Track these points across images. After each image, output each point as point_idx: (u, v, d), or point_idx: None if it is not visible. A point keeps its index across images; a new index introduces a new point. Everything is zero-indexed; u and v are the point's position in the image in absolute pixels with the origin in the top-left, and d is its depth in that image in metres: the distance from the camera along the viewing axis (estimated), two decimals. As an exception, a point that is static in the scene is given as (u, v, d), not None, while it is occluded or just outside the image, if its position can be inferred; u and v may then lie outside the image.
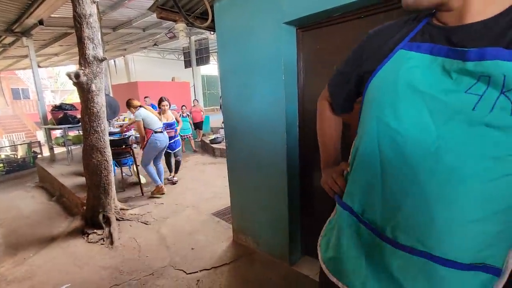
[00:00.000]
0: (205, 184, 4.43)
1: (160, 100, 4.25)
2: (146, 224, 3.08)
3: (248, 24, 2.00)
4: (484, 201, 0.48)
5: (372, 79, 0.61)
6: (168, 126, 4.15)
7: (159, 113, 4.07)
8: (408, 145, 0.52)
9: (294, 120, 2.04)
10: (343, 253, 0.67)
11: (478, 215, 0.49)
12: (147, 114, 3.74)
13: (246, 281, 2.05)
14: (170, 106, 4.34)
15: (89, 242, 2.76)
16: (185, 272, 2.18)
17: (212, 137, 7.29)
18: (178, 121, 4.69)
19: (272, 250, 2.26)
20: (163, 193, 3.92)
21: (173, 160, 4.51)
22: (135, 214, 3.31)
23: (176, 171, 4.58)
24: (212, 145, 6.78)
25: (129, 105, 3.96)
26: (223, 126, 2.45)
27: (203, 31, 3.46)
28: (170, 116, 4.26)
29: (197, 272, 2.17)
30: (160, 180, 3.95)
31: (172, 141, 4.22)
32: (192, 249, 2.49)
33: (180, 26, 5.59)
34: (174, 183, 4.44)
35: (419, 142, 0.51)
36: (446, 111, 0.49)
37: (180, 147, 4.48)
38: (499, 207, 0.48)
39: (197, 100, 9.16)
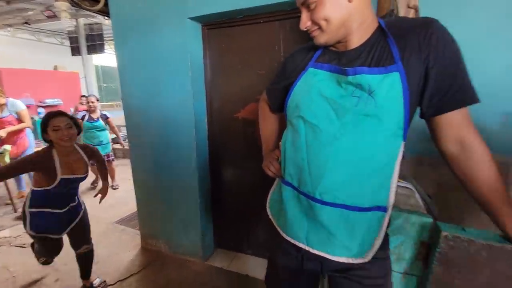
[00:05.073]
0: (104, 190, 3.90)
1: None
2: (22, 247, 2.48)
3: (150, 14, 1.87)
4: (375, 165, 0.73)
5: (293, 89, 0.84)
6: None
7: None
8: (323, 135, 0.75)
9: (203, 117, 2.05)
10: (289, 217, 0.88)
11: (370, 177, 0.73)
12: None
13: (158, 287, 1.95)
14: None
15: None
16: (83, 293, 1.89)
17: (112, 136, 6.44)
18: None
19: (185, 249, 2.22)
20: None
21: None
22: (6, 237, 2.61)
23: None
24: (112, 145, 5.99)
25: None
26: (125, 124, 2.21)
27: (95, 14, 3.01)
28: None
29: (98, 290, 1.91)
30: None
31: None
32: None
33: (62, 5, 4.70)
34: None
35: (328, 131, 0.74)
36: (342, 109, 0.72)
37: None
38: (379, 166, 0.73)
39: (86, 96, 7.02)
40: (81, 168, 1.66)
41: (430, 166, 1.31)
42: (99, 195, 1.94)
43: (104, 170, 1.92)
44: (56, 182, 1.55)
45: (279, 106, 1.00)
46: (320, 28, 0.73)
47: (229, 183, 2.17)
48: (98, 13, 2.13)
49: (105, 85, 14.44)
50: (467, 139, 0.68)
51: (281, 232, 0.92)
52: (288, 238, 0.88)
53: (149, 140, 2.13)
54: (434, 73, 0.66)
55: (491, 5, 1.22)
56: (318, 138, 0.76)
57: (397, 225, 0.86)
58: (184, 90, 1.90)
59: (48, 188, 1.56)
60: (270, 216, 1.00)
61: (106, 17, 2.34)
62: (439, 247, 0.75)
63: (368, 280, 0.79)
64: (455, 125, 0.69)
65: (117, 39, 2.04)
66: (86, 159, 1.70)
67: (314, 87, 0.78)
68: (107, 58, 13.49)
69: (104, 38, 9.38)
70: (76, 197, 1.79)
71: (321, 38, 0.75)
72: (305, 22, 0.75)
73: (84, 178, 1.69)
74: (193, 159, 1.99)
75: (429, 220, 0.83)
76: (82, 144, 1.76)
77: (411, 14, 1.05)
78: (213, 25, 1.89)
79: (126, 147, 5.56)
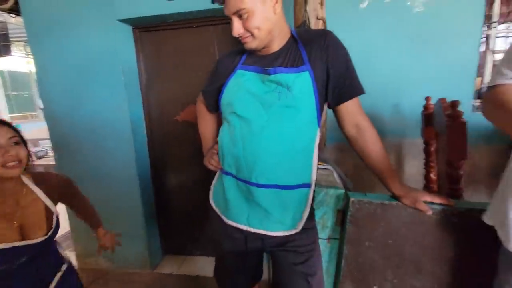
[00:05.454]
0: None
1: None
2: None
3: (72, 14, 1.76)
4: (298, 148, 0.86)
5: (225, 89, 0.95)
6: None
7: None
8: (254, 126, 0.86)
9: (140, 123, 2.00)
10: (231, 203, 0.97)
11: (295, 159, 0.87)
12: None
13: (102, 305, 1.82)
14: None
15: None
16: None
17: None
18: None
19: (130, 262, 2.12)
20: None
21: None
22: None
23: None
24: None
25: None
26: (49, 136, 2.00)
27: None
28: None
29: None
30: None
31: None
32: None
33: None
34: None
35: (258, 122, 0.85)
36: (267, 103, 0.85)
37: None
38: (301, 148, 0.87)
39: None
40: (40, 223, 0.90)
41: (347, 152, 1.56)
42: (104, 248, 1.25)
43: (89, 211, 1.22)
44: None
45: (215, 106, 1.09)
46: (252, 35, 0.84)
47: (173, 186, 2.16)
48: (8, 12, 1.89)
49: (15, 93, 12.29)
50: (360, 123, 0.88)
51: (224, 219, 1.00)
52: (231, 223, 0.98)
53: (80, 150, 1.97)
54: (332, 73, 0.85)
55: (383, 20, 1.54)
56: (250, 129, 0.87)
57: (320, 199, 1.04)
58: (117, 95, 1.83)
59: None
60: (214, 206, 1.07)
61: (13, 15, 2.08)
62: (349, 211, 0.94)
63: (301, 248, 0.94)
64: (351, 112, 0.88)
65: (33, 41, 1.85)
66: (47, 201, 0.94)
67: (242, 86, 0.90)
68: (16, 61, 11.51)
69: (11, 39, 8.02)
70: (60, 261, 1.06)
71: (253, 44, 0.87)
72: (238, 30, 0.84)
73: (50, 239, 0.94)
74: (133, 166, 1.93)
75: (343, 191, 1.03)
76: (34, 172, 0.99)
77: (320, 24, 1.26)
78: (145, 28, 1.88)
79: (44, 162, 4.91)
